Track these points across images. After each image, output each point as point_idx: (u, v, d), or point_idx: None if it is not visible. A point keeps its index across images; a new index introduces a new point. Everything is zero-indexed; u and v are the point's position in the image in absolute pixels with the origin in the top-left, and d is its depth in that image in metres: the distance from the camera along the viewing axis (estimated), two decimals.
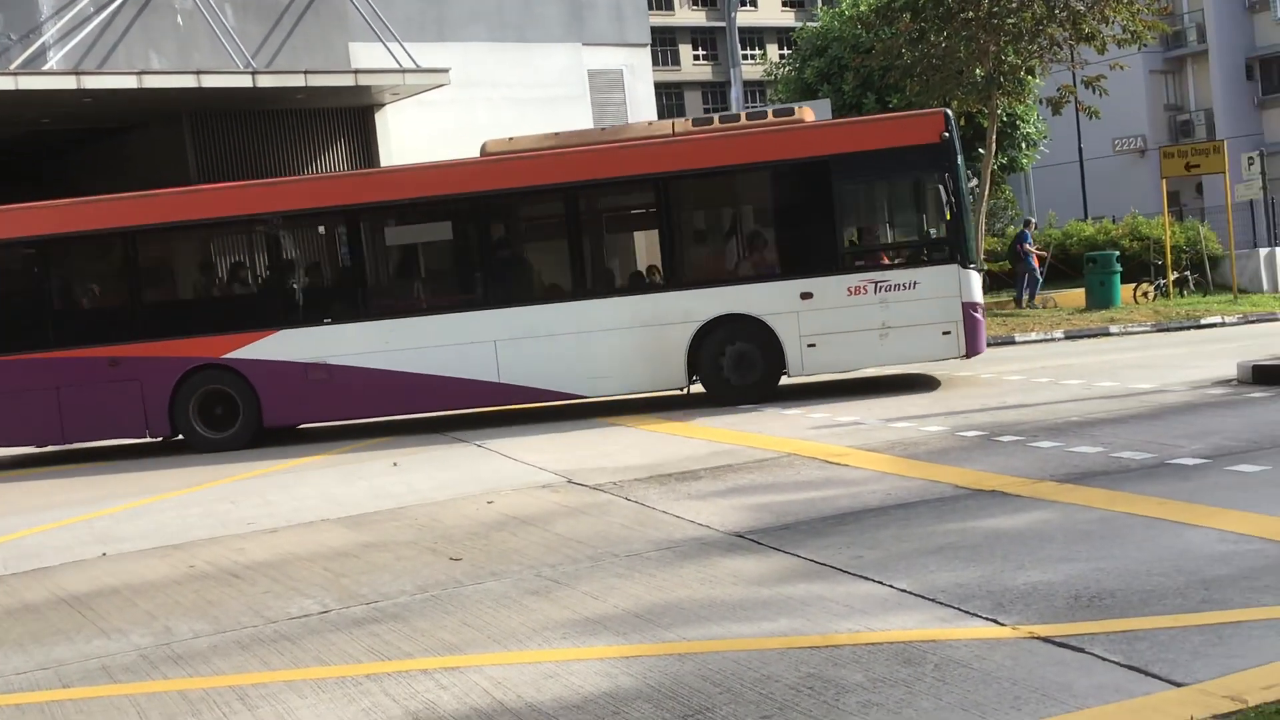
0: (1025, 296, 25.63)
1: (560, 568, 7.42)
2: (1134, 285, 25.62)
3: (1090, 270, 24.98)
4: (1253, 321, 20.65)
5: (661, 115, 46.03)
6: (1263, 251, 27.07)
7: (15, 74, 20.63)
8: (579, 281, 15.06)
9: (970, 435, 10.85)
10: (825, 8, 39.94)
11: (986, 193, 25.90)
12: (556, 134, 16.09)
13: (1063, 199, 41.79)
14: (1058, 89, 25.10)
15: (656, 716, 4.85)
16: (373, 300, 15.44)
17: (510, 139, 15.96)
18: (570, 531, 8.44)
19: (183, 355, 14.94)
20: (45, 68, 21.71)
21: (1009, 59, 24.45)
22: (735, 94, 21.75)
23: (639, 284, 15.38)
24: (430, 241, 15.96)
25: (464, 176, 15.24)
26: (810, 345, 14.44)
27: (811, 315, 14.41)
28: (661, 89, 54.04)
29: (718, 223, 16.13)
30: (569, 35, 29.19)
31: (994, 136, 25.45)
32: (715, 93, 67.32)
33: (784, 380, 14.82)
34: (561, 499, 9.70)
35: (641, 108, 30.53)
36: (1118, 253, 25.71)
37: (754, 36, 66.86)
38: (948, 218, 14.46)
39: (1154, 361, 15.40)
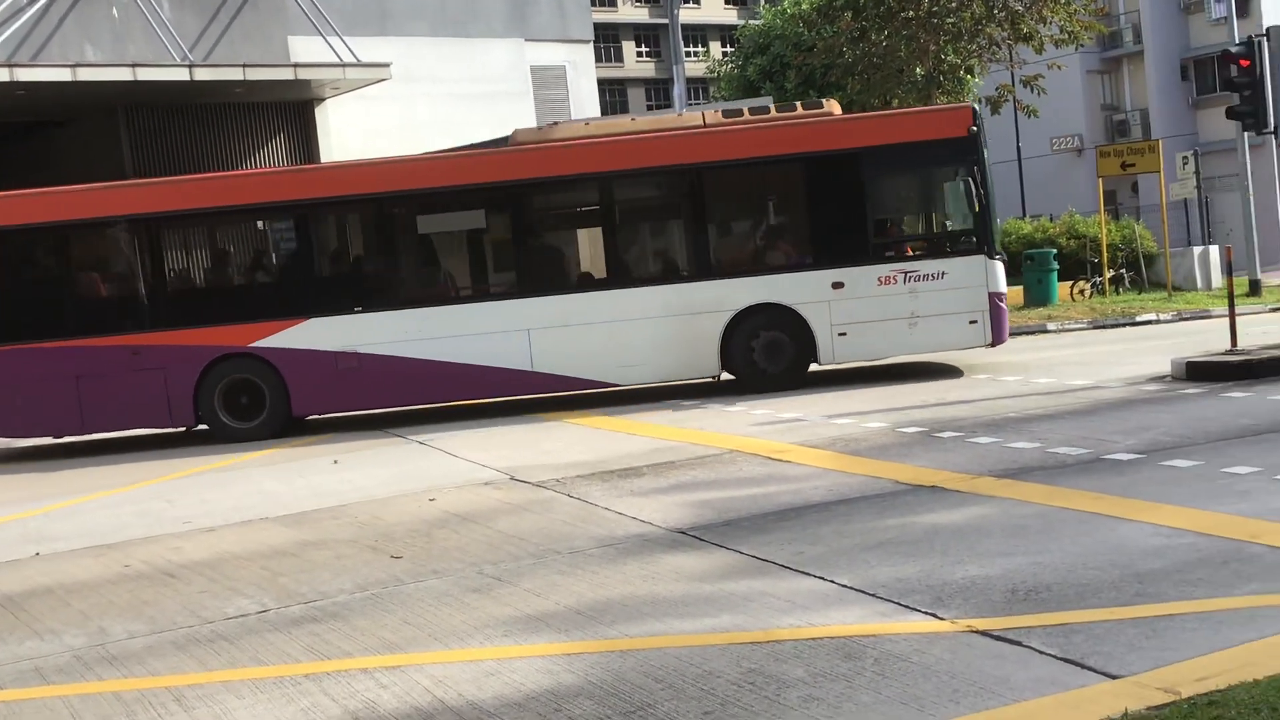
0: None
1: (502, 565, 7.39)
2: (1071, 283, 25.94)
3: (1028, 268, 25.26)
4: (1186, 319, 20.99)
5: (605, 112, 46.00)
6: (1196, 250, 27.50)
7: None
8: (613, 270, 15.14)
9: (911, 431, 10.94)
10: (768, 6, 40.11)
11: None
12: (586, 123, 16.23)
13: (1001, 197, 42.15)
14: (996, 88, 25.40)
15: (598, 713, 4.84)
16: (405, 288, 15.31)
17: (539, 128, 16.04)
18: (513, 529, 8.42)
19: (208, 344, 14.65)
20: None
21: (949, 58, 24.70)
22: (678, 91, 21.79)
23: (672, 273, 15.41)
24: (463, 230, 15.78)
25: (497, 165, 15.21)
26: (841, 334, 14.65)
27: (842, 304, 14.62)
28: (605, 85, 54.02)
29: (750, 213, 16.25)
30: (511, 31, 29.09)
31: None
32: (658, 89, 67.41)
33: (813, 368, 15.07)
34: (504, 496, 9.66)
35: (585, 104, 30.50)
36: (1055, 251, 26.03)
37: (697, 34, 67.01)
38: (975, 209, 14.75)
39: (1090, 358, 15.60)
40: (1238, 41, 15.05)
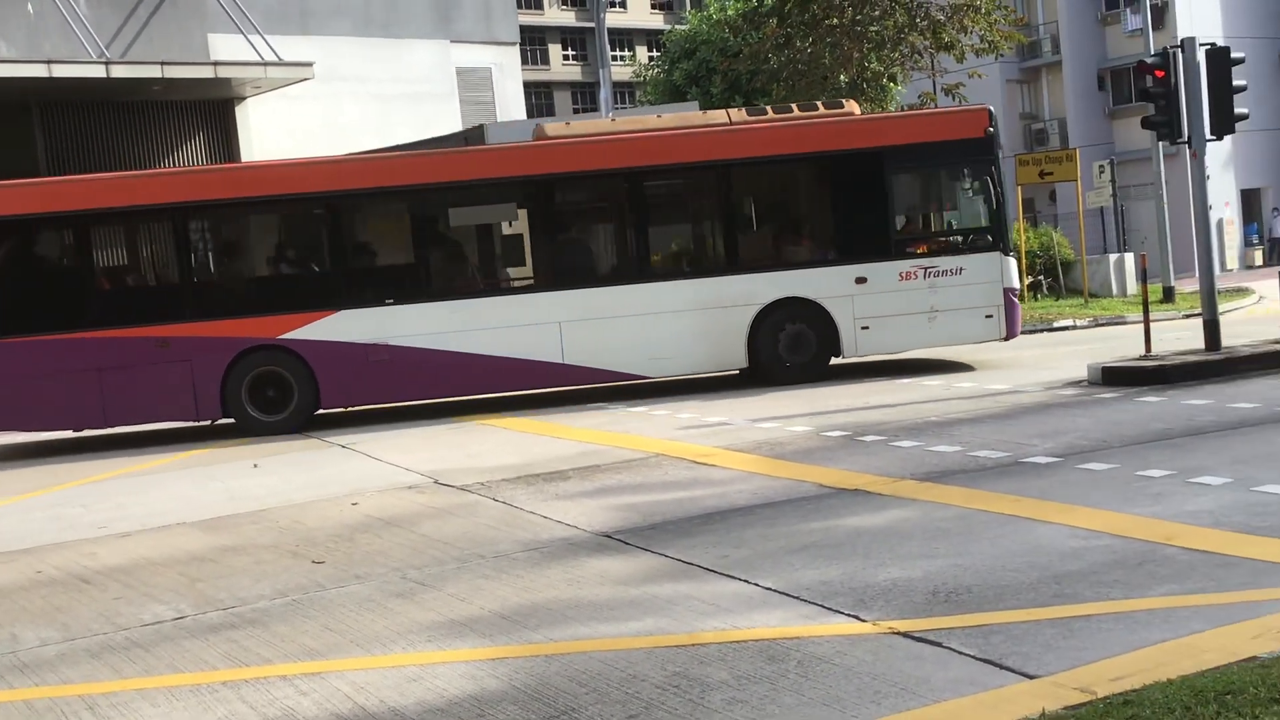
0: None
1: (426, 569, 7.33)
2: None
3: None
4: (1103, 324, 21.37)
5: (531, 115, 45.88)
6: (1112, 257, 28.02)
7: None
8: (643, 264, 15.38)
9: (834, 435, 11.02)
10: (694, 11, 40.27)
11: None
12: (613, 119, 16.50)
13: None
14: (919, 96, 25.70)
15: (522, 718, 4.81)
16: (436, 281, 15.35)
17: (567, 124, 16.23)
18: (436, 533, 8.35)
19: (236, 335, 14.44)
20: None
21: (872, 66, 24.95)
22: (605, 95, 21.79)
23: (701, 267, 15.66)
24: (495, 223, 15.86)
25: (529, 159, 15.26)
26: (864, 328, 15.04)
27: (865, 299, 15.01)
28: (531, 88, 53.87)
29: (777, 209, 16.62)
30: (437, 32, 28.92)
31: None
32: (585, 93, 67.37)
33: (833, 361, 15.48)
34: (428, 500, 9.59)
35: (511, 107, 30.40)
36: None
37: (623, 38, 67.07)
38: (992, 207, 15.35)
39: (1009, 363, 15.83)
40: (1153, 53, 15.33)
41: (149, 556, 8.36)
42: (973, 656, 5.07)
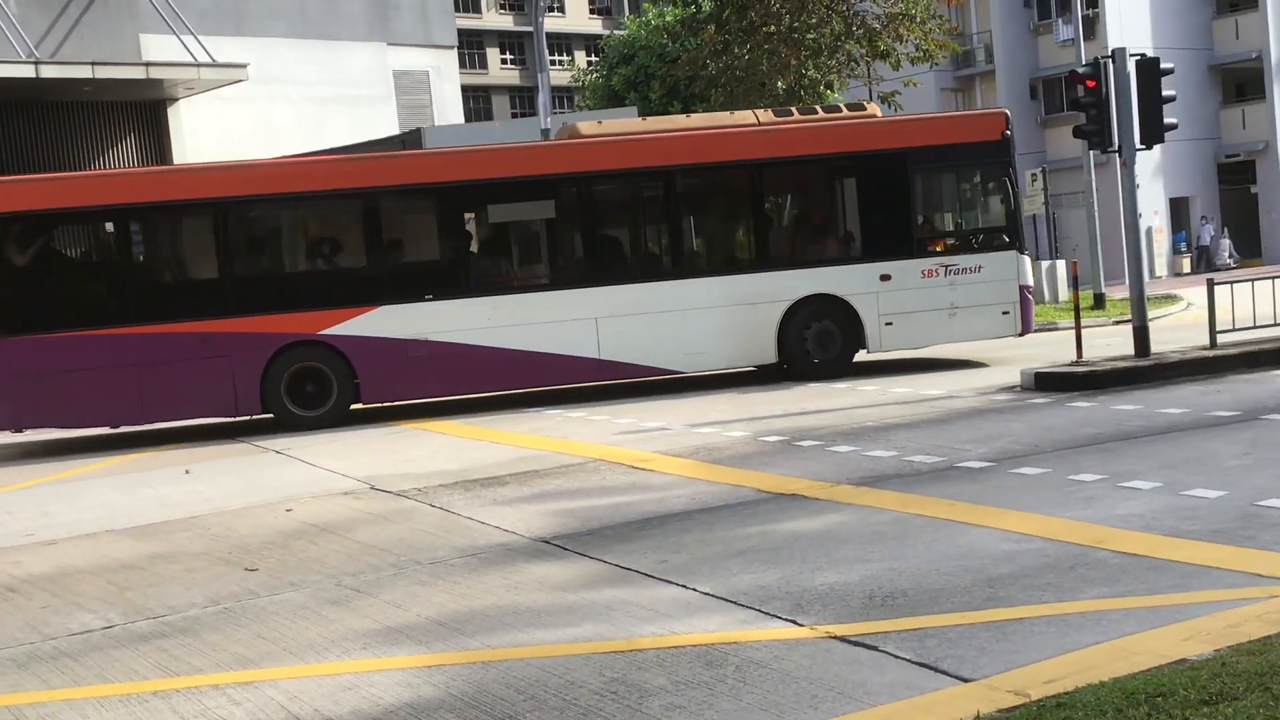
0: None
1: (362, 576, 7.26)
2: None
3: None
4: (1035, 331, 21.62)
5: (469, 119, 45.68)
6: (1044, 264, 28.39)
7: None
8: (677, 261, 15.74)
9: (772, 440, 11.07)
10: (632, 17, 40.32)
11: None
12: (644, 119, 16.87)
13: None
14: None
15: None
16: (475, 277, 15.47)
17: (599, 121, 16.54)
18: (373, 539, 8.28)
19: (276, 331, 14.40)
20: None
21: (809, 73, 25.12)
22: (543, 99, 21.76)
23: (733, 264, 16.04)
24: (533, 219, 16.01)
25: (567, 157, 15.46)
26: (888, 324, 15.51)
27: (889, 295, 15.48)
28: (469, 92, 53.67)
29: (806, 207, 17.03)
30: (374, 34, 28.73)
31: None
32: (523, 97, 67.22)
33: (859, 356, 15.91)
34: (364, 506, 9.50)
35: (448, 110, 30.27)
36: None
37: (562, 42, 67.01)
38: (1009, 207, 15.99)
39: (944, 368, 15.98)
40: (1084, 63, 15.58)
41: (77, 565, 8.21)
42: (909, 660, 5.10)
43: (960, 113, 20.19)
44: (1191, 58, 41.10)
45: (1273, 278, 15.77)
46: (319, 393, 14.56)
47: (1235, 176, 44.10)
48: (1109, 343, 16.26)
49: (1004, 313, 15.70)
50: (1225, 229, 42.48)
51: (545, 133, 20.38)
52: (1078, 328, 14.72)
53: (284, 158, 17.00)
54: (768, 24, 24.19)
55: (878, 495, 8.39)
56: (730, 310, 15.32)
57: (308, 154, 19.76)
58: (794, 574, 6.54)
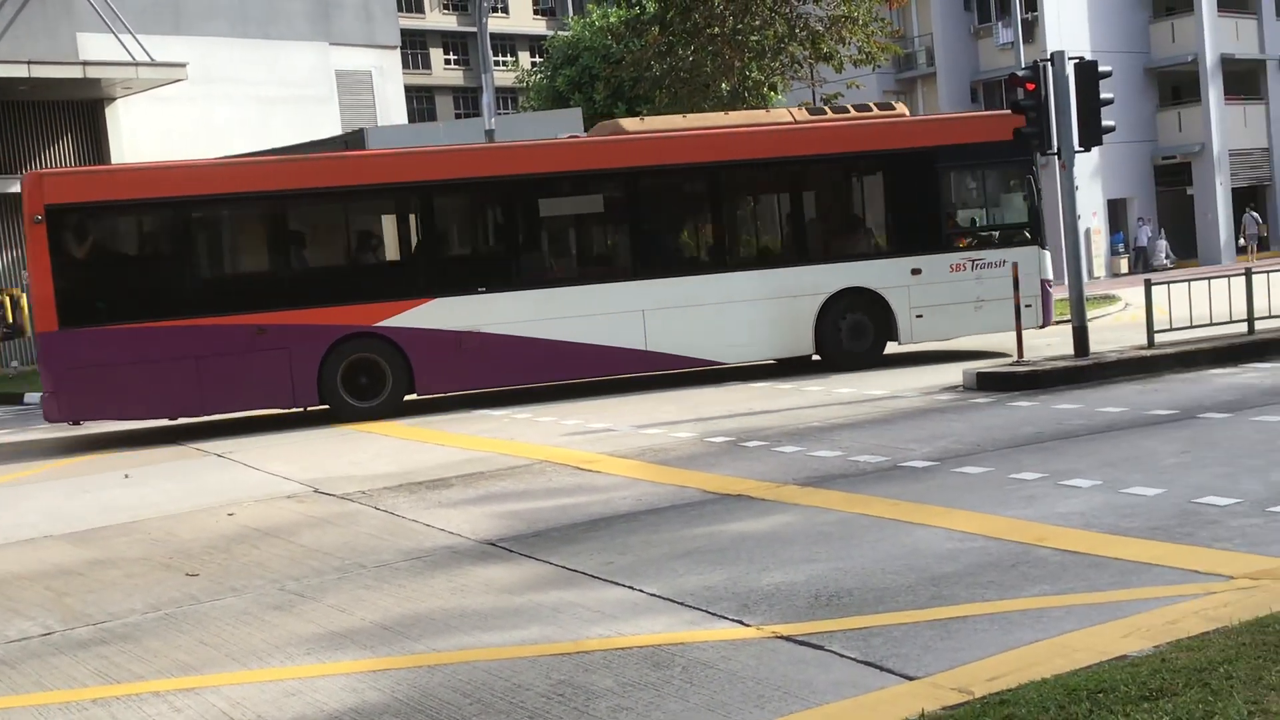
0: None
1: (305, 580, 7.20)
2: None
3: None
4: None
5: (412, 119, 45.44)
6: None
7: None
8: (720, 255, 16.26)
9: (718, 441, 11.09)
10: (576, 17, 40.28)
11: None
12: (684, 116, 17.41)
13: None
14: (799, 105, 25.96)
15: None
16: (527, 270, 15.68)
17: (641, 119, 16.97)
18: (316, 543, 8.21)
19: (333, 323, 14.52)
20: None
21: (753, 75, 25.22)
22: (487, 100, 21.67)
23: (773, 258, 16.40)
24: (582, 214, 16.28)
25: (616, 153, 15.79)
26: (918, 316, 16.00)
27: (920, 289, 15.94)
28: (412, 92, 53.37)
29: (841, 203, 17.42)
30: (316, 34, 28.50)
31: None
32: (467, 98, 66.96)
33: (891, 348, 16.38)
34: (307, 509, 9.42)
35: (392, 110, 30.11)
36: None
37: (506, 43, 66.84)
38: (1031, 204, 16.59)
39: (887, 368, 16.09)
40: (1024, 66, 15.76)
41: (14, 570, 8.07)
42: (854, 659, 5.13)
43: (985, 113, 20.95)
44: (1128, 61, 41.73)
45: (1208, 278, 16.04)
46: (372, 384, 14.71)
47: (1171, 178, 44.79)
48: (1049, 342, 16.45)
49: (1026, 306, 16.00)
50: (1162, 230, 43.14)
51: (490, 134, 20.30)
52: (1019, 328, 14.88)
53: (336, 153, 17.39)
54: (711, 26, 24.27)
55: (823, 495, 8.43)
56: (770, 303, 15.79)
57: (254, 154, 19.56)
58: (740, 574, 6.56)
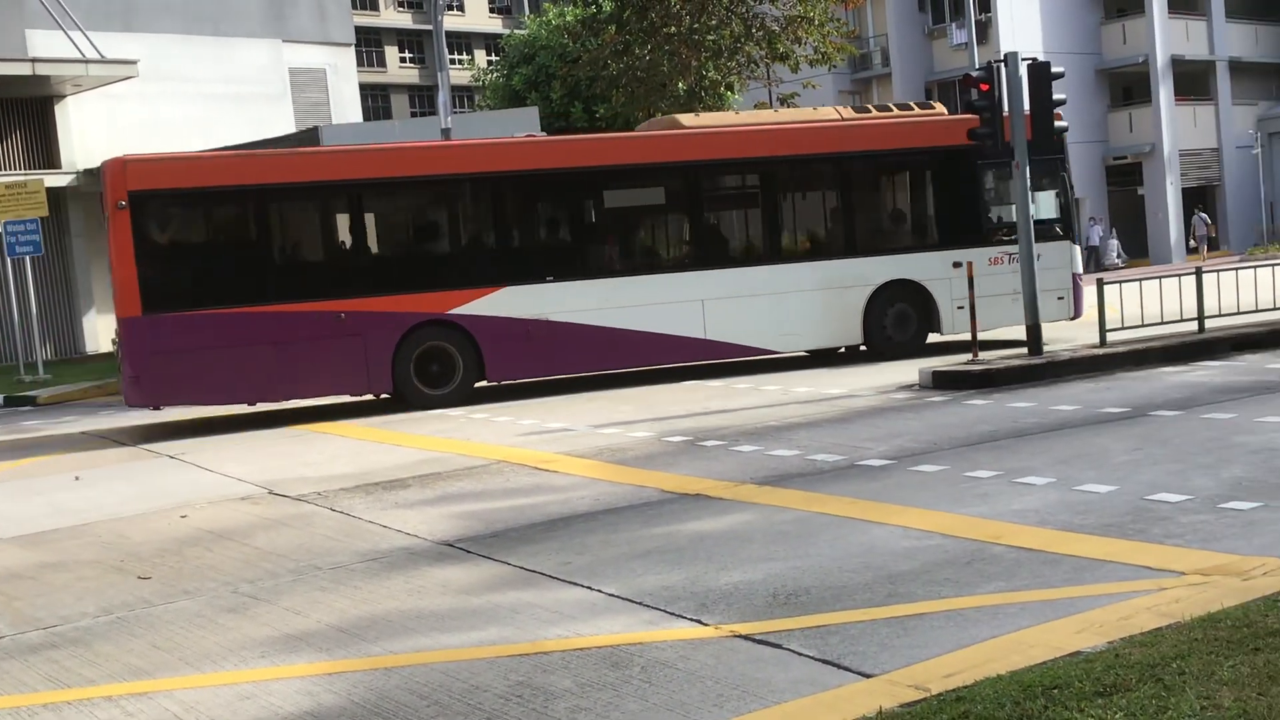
0: None
1: (259, 583, 7.13)
2: None
3: None
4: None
5: (367, 117, 45.15)
6: None
7: None
8: (775, 247, 16.69)
9: (676, 440, 11.10)
10: (532, 16, 40.17)
11: None
12: (736, 113, 18.22)
13: None
14: (755, 105, 26.08)
15: None
16: (592, 260, 16.15)
17: (697, 114, 17.55)
18: (270, 545, 8.14)
19: (408, 311, 14.74)
20: None
21: (709, 75, 25.26)
22: (443, 99, 21.56)
23: (825, 250, 16.85)
24: (645, 206, 16.70)
25: (679, 146, 16.21)
26: (959, 308, 16.21)
27: (961, 281, 15.95)
28: (367, 90, 53.04)
29: (888, 197, 17.97)
30: (268, 31, 28.27)
31: None
32: (422, 96, 66.62)
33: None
34: (262, 511, 9.34)
35: (346, 108, 29.91)
36: None
37: (462, 41, 66.54)
38: (1064, 200, 17.24)
39: (844, 367, 16.17)
40: (978, 66, 15.89)
41: None
42: (812, 657, 5.14)
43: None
44: (1081, 62, 42.14)
45: (1159, 277, 16.23)
46: (443, 372, 14.94)
47: (1123, 178, 45.28)
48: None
49: (1059, 298, 16.56)
50: (1113, 229, 43.58)
51: (446, 132, 20.21)
52: (974, 327, 14.99)
53: (416, 143, 17.95)
54: (668, 25, 24.29)
55: (781, 494, 8.45)
56: (822, 294, 16.29)
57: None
58: (699, 574, 6.56)
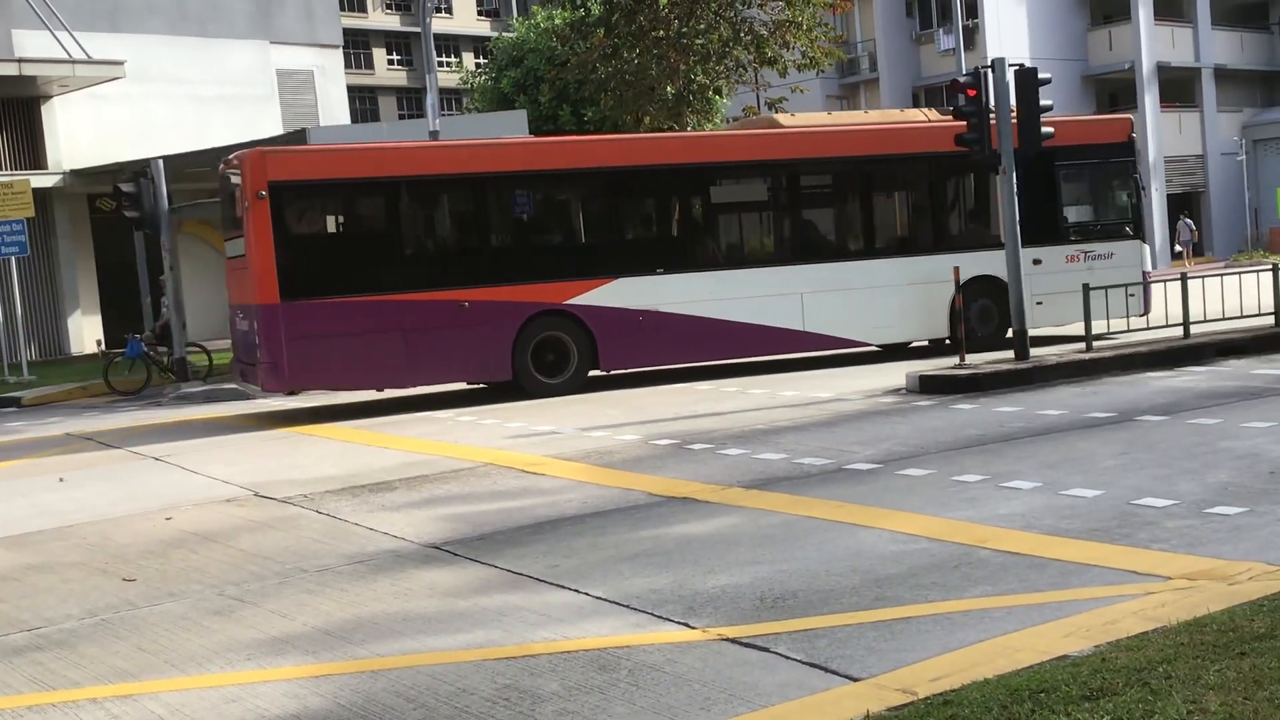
0: None
1: (245, 585, 7.11)
2: None
3: None
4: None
5: (355, 119, 45.10)
6: None
7: None
8: (869, 242, 17.38)
9: (663, 444, 11.09)
10: (521, 19, 40.16)
11: None
12: (829, 113, 18.94)
13: None
14: (743, 109, 26.11)
15: None
16: (699, 253, 16.72)
17: (792, 114, 18.53)
18: (256, 547, 8.11)
19: (527, 300, 15.20)
20: None
21: (698, 79, 25.27)
22: (431, 101, 21.54)
23: (915, 246, 17.51)
24: (749, 201, 17.47)
25: (780, 145, 16.95)
26: (1038, 303, 16.52)
27: (1040, 278, 16.70)
28: (355, 92, 53.01)
29: (974, 196, 18.42)
30: (256, 32, 28.21)
31: None
32: (411, 99, 66.57)
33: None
34: (247, 513, 9.31)
35: (334, 110, 29.87)
36: None
37: (450, 44, 66.51)
38: (1134, 202, 18.18)
39: (832, 371, 16.20)
40: (965, 72, 15.93)
41: None
42: (799, 661, 5.14)
43: (1094, 116, 22.34)
44: (1067, 68, 42.28)
45: (1144, 283, 16.28)
46: (557, 361, 15.40)
47: None
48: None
49: (1130, 295, 16.76)
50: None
51: (434, 134, 20.18)
52: (962, 332, 15.03)
53: (536, 139, 18.64)
54: (656, 29, 24.29)
55: (768, 498, 8.45)
56: (913, 288, 16.83)
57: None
58: (686, 577, 6.56)
